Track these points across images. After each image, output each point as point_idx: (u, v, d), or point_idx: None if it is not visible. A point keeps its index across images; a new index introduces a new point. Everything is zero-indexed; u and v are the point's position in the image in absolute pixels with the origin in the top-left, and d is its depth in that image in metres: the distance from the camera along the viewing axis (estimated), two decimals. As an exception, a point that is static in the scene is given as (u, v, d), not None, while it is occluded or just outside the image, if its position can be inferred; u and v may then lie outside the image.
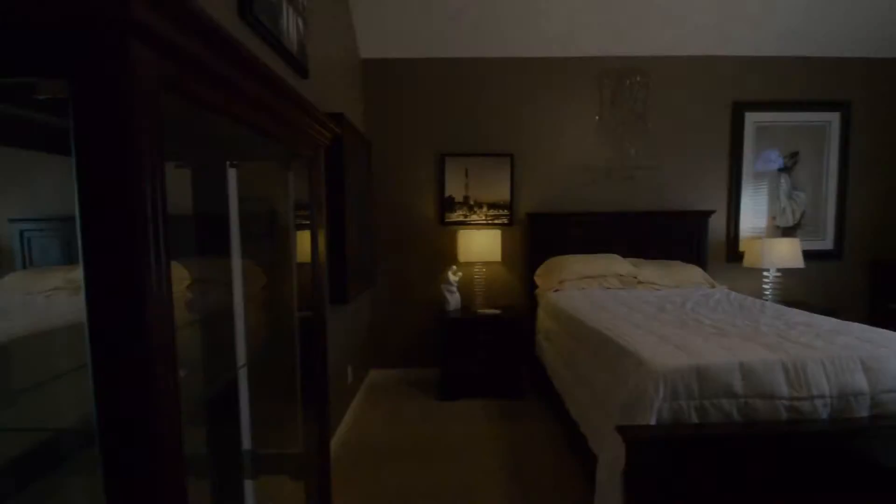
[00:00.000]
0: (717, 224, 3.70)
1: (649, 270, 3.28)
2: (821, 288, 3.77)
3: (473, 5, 3.12)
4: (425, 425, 2.84)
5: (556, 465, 2.36)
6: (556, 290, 3.13)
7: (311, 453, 1.60)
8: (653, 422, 1.61)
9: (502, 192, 3.56)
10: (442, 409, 3.08)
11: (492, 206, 3.57)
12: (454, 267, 3.39)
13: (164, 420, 0.62)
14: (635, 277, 3.24)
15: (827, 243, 3.77)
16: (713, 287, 3.21)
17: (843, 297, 3.76)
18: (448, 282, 3.34)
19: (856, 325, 2.12)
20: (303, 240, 1.82)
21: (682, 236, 3.61)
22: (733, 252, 3.71)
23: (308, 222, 1.69)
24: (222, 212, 1.45)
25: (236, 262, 1.47)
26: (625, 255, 3.48)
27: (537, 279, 3.42)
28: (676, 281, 3.23)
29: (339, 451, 2.53)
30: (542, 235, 3.53)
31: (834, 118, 3.69)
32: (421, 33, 3.32)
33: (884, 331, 2.00)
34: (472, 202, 3.56)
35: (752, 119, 3.66)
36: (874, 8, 3.25)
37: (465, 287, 3.47)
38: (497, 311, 3.26)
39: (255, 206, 1.71)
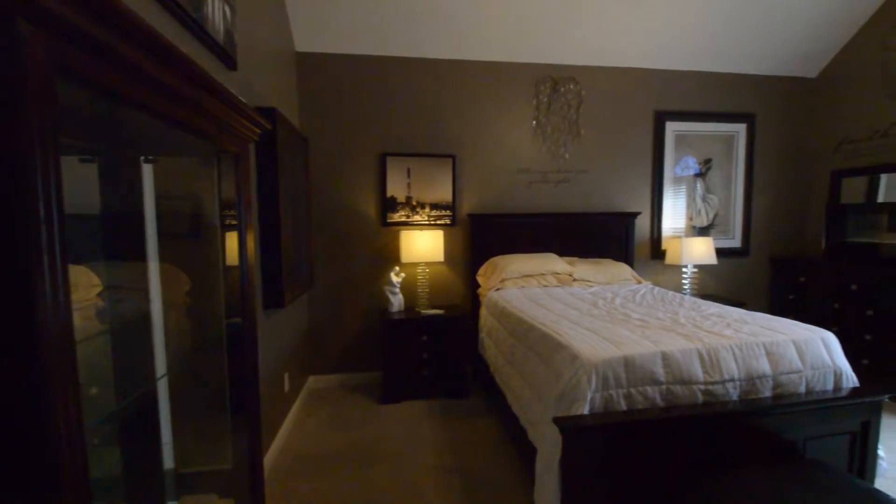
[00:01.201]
0: (642, 224, 3.98)
1: (583, 268, 3.45)
2: (731, 282, 4.18)
3: (413, 4, 3.11)
4: (368, 429, 2.78)
5: (499, 460, 2.41)
6: (498, 289, 3.20)
7: (241, 468, 1.51)
8: (586, 411, 1.69)
9: (445, 193, 3.58)
10: (385, 412, 3.03)
11: (434, 206, 3.57)
12: (397, 268, 3.35)
13: (62, 446, 0.55)
14: (571, 275, 3.40)
15: (735, 242, 4.19)
16: (640, 283, 3.44)
17: (749, 290, 4.21)
18: (390, 283, 3.30)
19: (760, 314, 2.37)
20: (233, 241, 1.72)
21: (613, 236, 3.84)
22: (656, 250, 4.02)
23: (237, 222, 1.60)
24: (138, 211, 1.32)
25: (153, 266, 1.35)
26: (561, 254, 3.64)
27: (479, 279, 3.47)
28: (608, 278, 3.42)
29: (275, 462, 2.41)
30: (483, 236, 3.59)
31: (741, 129, 4.11)
32: (360, 30, 3.25)
33: (783, 319, 2.24)
34: (414, 203, 3.54)
35: (671, 128, 3.97)
36: (774, 31, 3.65)
37: (408, 288, 3.45)
38: (440, 311, 3.27)
39: (177, 205, 1.58)
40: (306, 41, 3.29)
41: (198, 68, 0.94)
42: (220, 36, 1.84)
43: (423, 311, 3.26)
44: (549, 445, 1.73)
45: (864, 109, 3.73)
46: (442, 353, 3.20)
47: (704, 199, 4.12)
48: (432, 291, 3.53)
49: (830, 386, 1.93)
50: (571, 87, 3.74)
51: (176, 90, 0.91)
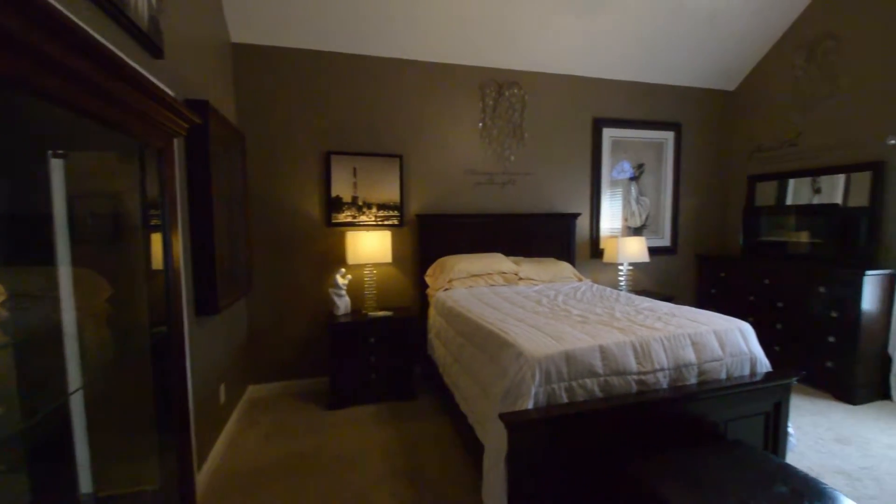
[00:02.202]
0: (582, 225, 4.17)
1: (529, 267, 3.55)
2: (661, 278, 4.48)
3: (358, 2, 3.06)
4: (312, 438, 2.69)
5: (448, 460, 2.42)
6: (446, 290, 3.21)
7: (171, 488, 1.40)
8: (531, 406, 1.73)
9: (392, 194, 3.54)
10: (331, 418, 2.95)
11: (382, 206, 3.52)
12: (343, 270, 3.27)
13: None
14: (516, 274, 3.49)
15: (665, 241, 4.50)
16: (580, 280, 3.60)
17: (677, 285, 4.53)
18: (336, 285, 3.21)
19: (686, 308, 2.55)
20: (158, 244, 1.59)
21: (556, 236, 3.99)
22: (595, 249, 4.22)
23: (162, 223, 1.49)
24: (47, 211, 1.19)
25: (65, 271, 1.23)
26: (508, 254, 3.73)
27: (428, 279, 3.47)
28: (551, 276, 3.54)
29: (210, 480, 2.27)
30: (431, 236, 3.60)
31: (669, 136, 4.42)
32: (302, 23, 3.14)
33: (706, 312, 2.43)
34: (361, 203, 3.47)
35: (608, 134, 4.20)
36: (699, 46, 3.96)
37: (355, 290, 3.38)
38: (389, 313, 3.23)
39: (95, 204, 1.44)
40: (243, 32, 3.13)
41: (111, 53, 0.86)
42: (143, 22, 1.71)
43: (370, 314, 3.20)
44: (495, 442, 1.76)
45: (775, 120, 4.15)
46: (390, 355, 3.16)
47: (638, 202, 4.39)
48: (380, 293, 3.48)
49: (747, 371, 2.12)
50: (516, 91, 3.85)
51: (85, 77, 0.82)
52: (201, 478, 2.19)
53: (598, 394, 1.86)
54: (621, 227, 4.33)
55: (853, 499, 1.91)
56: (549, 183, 4.05)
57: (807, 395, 3.24)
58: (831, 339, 3.21)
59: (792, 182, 3.95)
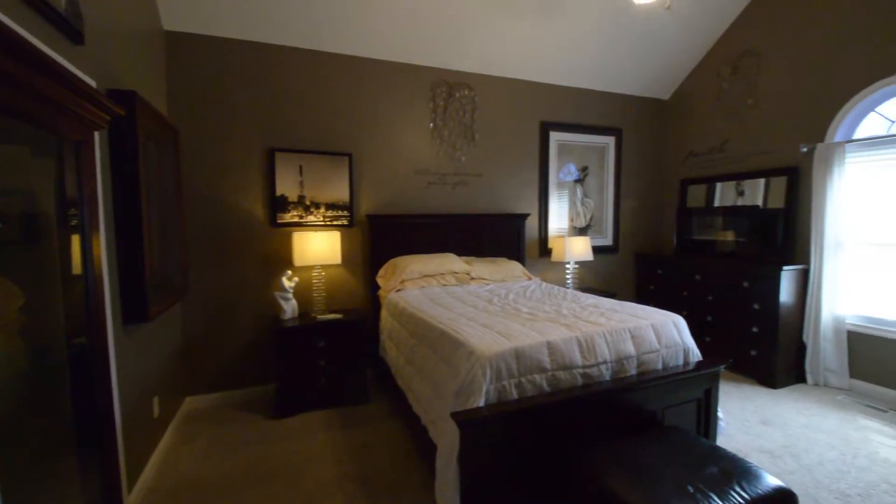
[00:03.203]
0: (532, 225, 4.29)
1: (480, 267, 3.60)
2: (605, 275, 4.70)
3: (303, -5, 2.97)
4: (258, 448, 2.57)
5: (402, 463, 2.39)
6: (398, 290, 3.18)
7: (93, 512, 1.28)
8: (482, 403, 1.75)
9: (341, 193, 3.45)
10: (278, 427, 2.82)
11: (330, 206, 3.43)
12: (289, 272, 3.14)
13: None
14: (468, 274, 3.52)
15: (608, 240, 4.72)
16: (530, 279, 3.69)
17: (619, 282, 4.77)
18: (282, 288, 3.09)
19: (627, 303, 2.69)
20: (79, 246, 1.46)
21: (506, 236, 4.07)
22: (544, 248, 4.35)
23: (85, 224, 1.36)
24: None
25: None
26: (460, 254, 3.76)
27: (379, 280, 3.42)
28: (502, 275, 3.61)
29: (144, 499, 2.10)
30: (383, 237, 3.55)
31: (611, 141, 4.65)
32: (243, 13, 2.98)
33: (645, 306, 2.57)
34: (308, 202, 3.35)
35: (555, 137, 4.34)
36: (637, 57, 4.19)
37: (302, 293, 3.27)
38: (339, 316, 3.14)
39: (3, 204, 1.29)
40: (177, 19, 2.93)
41: (18, 37, 0.77)
42: (60, 4, 1.55)
43: (319, 317, 3.10)
44: (448, 441, 1.76)
45: (704, 128, 4.47)
46: (341, 359, 3.08)
47: (583, 203, 4.58)
48: (330, 295, 3.39)
49: (681, 361, 2.27)
50: (466, 92, 3.89)
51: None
52: (132, 499, 2.02)
53: (546, 388, 1.91)
54: (568, 228, 4.49)
55: (775, 474, 2.10)
56: (499, 184, 4.12)
57: (734, 382, 3.51)
58: (755, 329, 3.51)
59: (719, 185, 4.27)
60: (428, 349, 2.29)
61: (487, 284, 3.46)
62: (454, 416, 1.67)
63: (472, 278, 3.52)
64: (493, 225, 4.01)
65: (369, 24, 3.26)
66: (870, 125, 3.29)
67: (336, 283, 3.47)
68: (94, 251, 1.30)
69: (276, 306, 3.14)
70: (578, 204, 4.55)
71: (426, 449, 2.14)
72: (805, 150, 3.51)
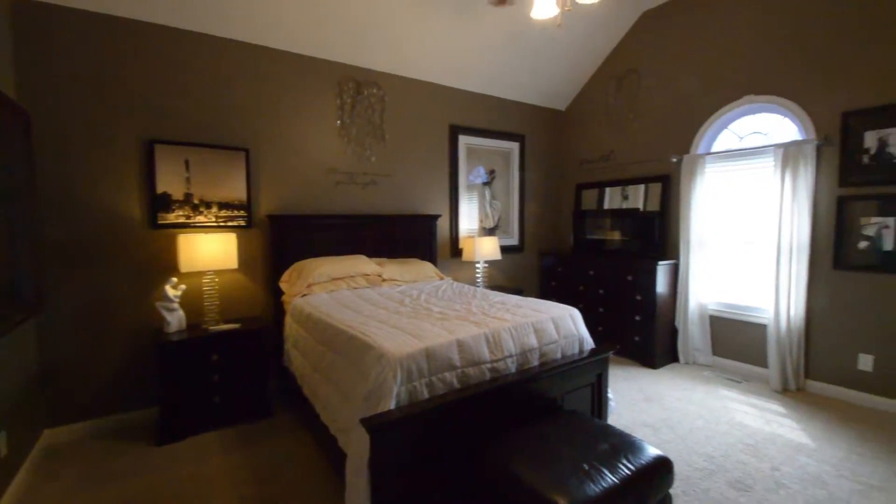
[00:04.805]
0: (443, 226, 4.35)
1: (392, 268, 3.55)
2: (512, 273, 4.95)
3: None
4: (140, 480, 2.24)
5: (309, 477, 2.25)
6: (304, 295, 3.01)
7: None
8: (393, 406, 1.72)
9: (237, 191, 3.17)
10: (165, 454, 2.50)
11: (224, 205, 3.12)
12: (174, 279, 2.79)
13: None
14: (380, 276, 3.45)
15: (514, 240, 4.97)
16: (442, 279, 3.74)
17: (525, 279, 5.05)
18: (166, 298, 2.74)
19: (531, 299, 2.84)
20: None
21: (418, 236, 4.08)
22: (455, 249, 4.45)
23: None
24: None
25: None
26: (371, 256, 3.68)
27: (283, 285, 3.21)
28: (414, 276, 3.60)
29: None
30: (286, 238, 3.33)
31: (515, 147, 4.90)
32: (112, -14, 2.61)
33: (546, 301, 2.73)
34: (196, 201, 3.01)
35: (463, 141, 4.46)
36: (539, 70, 4.47)
37: (192, 302, 2.94)
38: (235, 326, 2.88)
39: None
40: (24, -17, 2.47)
41: None
42: None
43: (211, 328, 2.80)
44: (358, 448, 1.69)
45: (594, 138, 4.92)
46: (238, 372, 2.82)
47: (491, 205, 4.76)
48: (225, 303, 3.09)
49: (577, 350, 2.45)
50: (375, 91, 3.82)
51: None
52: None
53: (457, 385, 1.93)
54: (478, 228, 4.64)
55: (655, 445, 2.37)
56: (410, 184, 4.12)
57: (622, 365, 3.90)
58: (637, 317, 3.93)
59: (608, 190, 4.73)
60: (336, 355, 2.19)
61: (399, 286, 3.43)
62: (363, 421, 1.61)
63: (384, 280, 3.46)
64: (404, 226, 3.99)
65: (271, 12, 3.05)
66: (725, 140, 3.88)
67: (232, 289, 3.18)
68: None
69: (158, 318, 2.77)
70: (487, 206, 4.72)
71: (337, 459, 2.04)
72: (675, 160, 4.04)
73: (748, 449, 2.49)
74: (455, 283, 3.58)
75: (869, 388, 3.01)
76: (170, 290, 2.73)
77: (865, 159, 2.97)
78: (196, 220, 3.01)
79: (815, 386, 3.26)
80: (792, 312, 3.27)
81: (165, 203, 2.90)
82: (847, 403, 3.06)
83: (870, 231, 2.97)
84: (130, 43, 2.79)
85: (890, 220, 2.88)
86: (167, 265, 2.90)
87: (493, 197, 4.76)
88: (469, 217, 4.57)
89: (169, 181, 2.90)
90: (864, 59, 2.96)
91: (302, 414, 2.84)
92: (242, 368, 2.84)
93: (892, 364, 2.90)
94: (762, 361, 3.52)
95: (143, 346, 2.87)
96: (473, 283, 4.39)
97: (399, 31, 3.54)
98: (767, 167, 3.47)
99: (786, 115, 3.40)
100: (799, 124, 3.29)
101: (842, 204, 3.08)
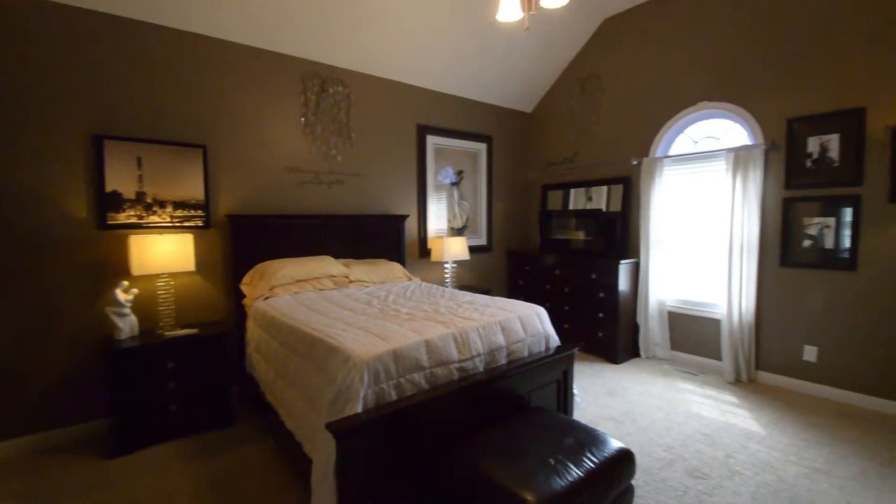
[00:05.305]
0: (411, 226, 4.33)
1: (359, 269, 3.50)
2: (480, 273, 4.98)
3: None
4: (90, 496, 2.10)
5: (273, 486, 2.18)
6: (267, 298, 2.91)
7: None
8: (360, 409, 1.68)
9: (194, 190, 3.03)
10: (118, 468, 2.35)
11: (180, 205, 2.98)
12: (125, 283, 2.64)
13: None
14: (347, 277, 3.39)
15: (482, 240, 5.01)
16: (410, 280, 3.71)
17: (493, 279, 5.10)
18: (116, 303, 2.58)
19: (499, 298, 2.86)
20: None
21: (386, 237, 4.04)
22: (423, 249, 4.43)
23: None
24: None
25: None
26: (338, 256, 3.61)
27: (244, 288, 3.09)
28: (382, 277, 3.56)
29: None
30: (248, 239, 3.22)
31: (483, 147, 4.94)
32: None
33: (513, 300, 2.76)
34: (150, 200, 2.86)
35: (431, 141, 4.45)
36: (506, 72, 4.52)
37: (145, 307, 2.79)
38: (193, 331, 2.75)
39: None
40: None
41: None
42: None
43: (167, 334, 2.67)
44: (324, 454, 1.65)
45: (560, 140, 5.02)
46: (197, 379, 2.70)
47: (459, 205, 4.78)
48: (182, 308, 2.95)
49: (543, 348, 2.49)
50: (340, 88, 3.75)
51: None
52: None
53: (425, 386, 1.92)
54: (446, 229, 4.64)
55: (618, 437, 2.44)
56: (378, 184, 4.07)
57: (587, 361, 4.00)
58: (601, 314, 4.04)
59: (573, 191, 4.84)
60: (301, 359, 2.14)
61: (367, 287, 3.38)
62: (329, 426, 1.57)
63: (351, 281, 3.40)
64: (372, 226, 3.94)
65: (231, 4, 2.93)
66: (681, 144, 4.05)
67: (190, 293, 3.04)
68: None
69: (109, 324, 2.61)
70: (455, 206, 4.73)
71: (303, 467, 1.98)
72: (635, 163, 4.18)
73: (704, 438, 2.60)
74: (424, 284, 3.56)
75: (813, 377, 3.21)
76: (121, 295, 2.58)
77: (808, 163, 3.17)
78: (149, 221, 2.86)
79: (765, 376, 3.45)
80: (743, 308, 3.45)
81: (116, 202, 2.74)
82: (794, 392, 3.25)
83: (813, 230, 3.17)
84: (77, 32, 2.62)
85: (830, 220, 3.08)
86: (118, 268, 2.74)
87: (461, 197, 4.78)
88: (438, 217, 4.57)
89: (119, 179, 2.74)
90: (807, 69, 3.16)
91: (266, 421, 2.75)
92: (201, 376, 2.72)
93: (835, 355, 3.11)
94: (717, 354, 3.69)
95: (91, 355, 2.70)
96: (442, 283, 4.38)
97: (365, 28, 3.50)
98: (720, 170, 3.65)
99: (737, 121, 3.58)
100: (749, 130, 3.48)
101: (787, 205, 3.27)
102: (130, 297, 2.63)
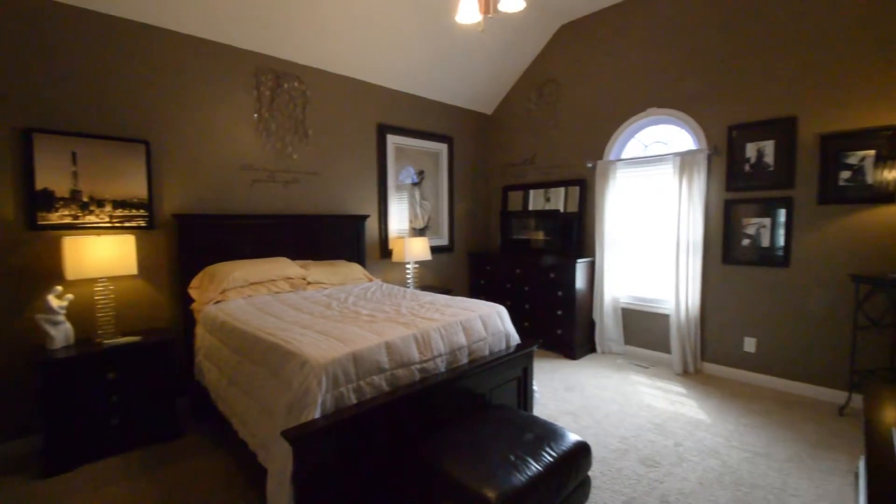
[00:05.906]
0: (372, 226, 4.27)
1: (318, 271, 3.40)
2: (442, 273, 4.98)
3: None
4: (13, 524, 1.93)
5: (225, 498, 2.08)
6: (218, 302, 2.78)
7: None
8: (317, 415, 1.64)
9: (136, 188, 2.83)
10: (52, 487, 2.16)
11: (120, 203, 2.78)
12: (58, 288, 2.43)
13: None
14: (305, 279, 3.29)
15: (444, 240, 5.02)
16: (371, 281, 3.66)
17: (455, 279, 5.12)
18: (49, 310, 2.37)
19: (461, 298, 2.87)
20: None
21: (345, 238, 3.95)
22: (385, 250, 4.38)
23: None
24: None
25: None
26: (295, 258, 3.50)
27: (193, 292, 2.94)
28: (341, 279, 3.48)
29: None
30: (197, 240, 3.06)
31: (444, 148, 4.94)
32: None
33: (475, 300, 2.78)
34: (86, 198, 2.65)
35: (392, 140, 4.41)
36: (466, 73, 4.54)
37: (82, 314, 2.58)
38: (136, 338, 2.58)
39: None
40: None
41: None
42: None
43: (107, 342, 2.48)
44: (280, 462, 1.60)
45: (519, 142, 5.11)
46: (141, 390, 2.53)
47: (421, 205, 4.76)
48: (123, 314, 2.76)
49: (504, 346, 2.52)
50: (296, 84, 3.64)
51: None
52: None
53: (386, 388, 1.89)
54: (408, 229, 4.61)
55: (576, 431, 2.51)
56: (337, 184, 3.98)
57: (546, 358, 4.10)
58: (559, 312, 4.15)
59: (532, 192, 4.94)
60: (254, 365, 2.05)
61: (326, 289, 3.30)
62: (285, 433, 1.52)
63: (309, 283, 3.30)
64: (331, 226, 3.85)
65: (172, -8, 2.78)
66: (633, 148, 4.22)
67: (132, 298, 2.85)
68: None
69: (40, 333, 2.40)
70: (417, 206, 4.71)
71: (256, 477, 1.91)
72: (590, 165, 4.33)
73: (655, 428, 2.73)
74: (385, 285, 3.52)
75: (752, 366, 3.45)
76: (53, 301, 2.38)
77: (747, 167, 3.40)
78: (86, 221, 2.65)
79: (710, 367, 3.67)
80: (689, 303, 3.65)
81: (47, 201, 2.52)
82: (736, 381, 3.48)
83: (751, 230, 3.40)
84: (3, 17, 2.39)
85: (766, 221, 3.32)
86: (50, 272, 2.52)
87: (422, 197, 4.77)
88: (399, 218, 4.53)
89: (51, 176, 2.52)
90: (745, 79, 3.39)
91: (217, 431, 2.63)
92: (145, 386, 2.55)
93: (771, 345, 3.35)
94: (666, 348, 3.88)
95: (20, 366, 2.47)
96: (404, 283, 4.35)
97: (323, 24, 3.41)
98: (668, 173, 3.84)
99: (683, 127, 3.78)
100: (693, 135, 3.69)
101: (728, 206, 3.49)
102: (65, 303, 2.43)
